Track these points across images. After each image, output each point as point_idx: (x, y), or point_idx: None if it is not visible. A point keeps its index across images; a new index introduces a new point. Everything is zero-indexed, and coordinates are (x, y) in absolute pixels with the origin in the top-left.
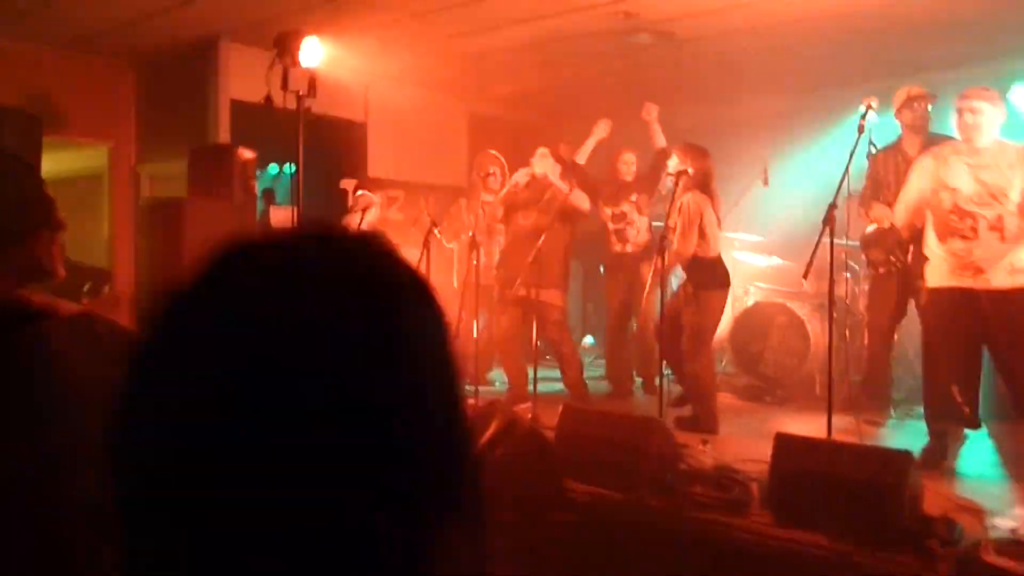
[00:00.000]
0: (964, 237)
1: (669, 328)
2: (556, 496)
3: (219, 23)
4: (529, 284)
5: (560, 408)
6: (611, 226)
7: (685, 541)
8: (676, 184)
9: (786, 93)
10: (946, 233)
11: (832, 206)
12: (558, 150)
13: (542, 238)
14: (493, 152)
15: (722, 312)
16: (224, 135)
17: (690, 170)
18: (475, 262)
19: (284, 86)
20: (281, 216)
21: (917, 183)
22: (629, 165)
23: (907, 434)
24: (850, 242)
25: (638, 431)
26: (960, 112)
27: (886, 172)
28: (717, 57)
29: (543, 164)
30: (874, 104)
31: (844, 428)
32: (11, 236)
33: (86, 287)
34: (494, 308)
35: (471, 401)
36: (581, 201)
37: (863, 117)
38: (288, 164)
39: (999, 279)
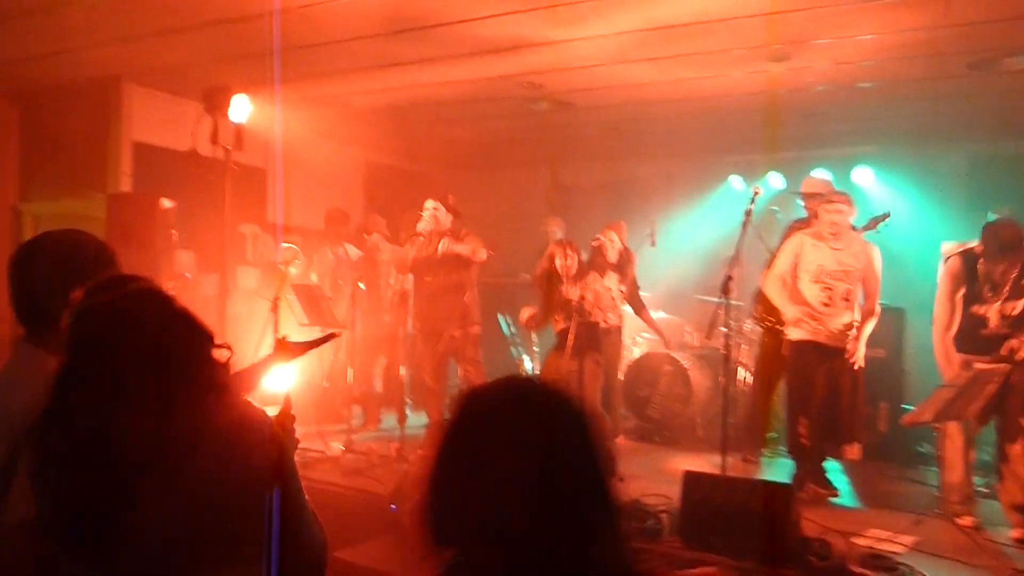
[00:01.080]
0: (824, 303)
1: None
2: None
3: (119, 66)
4: (452, 328)
5: None
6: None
7: None
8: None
9: (666, 158)
10: (808, 299)
11: (728, 277)
12: (447, 200)
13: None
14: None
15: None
16: (125, 177)
17: None
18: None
19: (215, 139)
20: (185, 260)
21: (790, 257)
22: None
23: (779, 468)
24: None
25: None
26: (827, 212)
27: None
28: (608, 124)
29: (426, 223)
30: (760, 191)
31: (729, 465)
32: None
33: None
34: (415, 356)
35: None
36: (466, 251)
37: (752, 202)
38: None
39: (841, 338)
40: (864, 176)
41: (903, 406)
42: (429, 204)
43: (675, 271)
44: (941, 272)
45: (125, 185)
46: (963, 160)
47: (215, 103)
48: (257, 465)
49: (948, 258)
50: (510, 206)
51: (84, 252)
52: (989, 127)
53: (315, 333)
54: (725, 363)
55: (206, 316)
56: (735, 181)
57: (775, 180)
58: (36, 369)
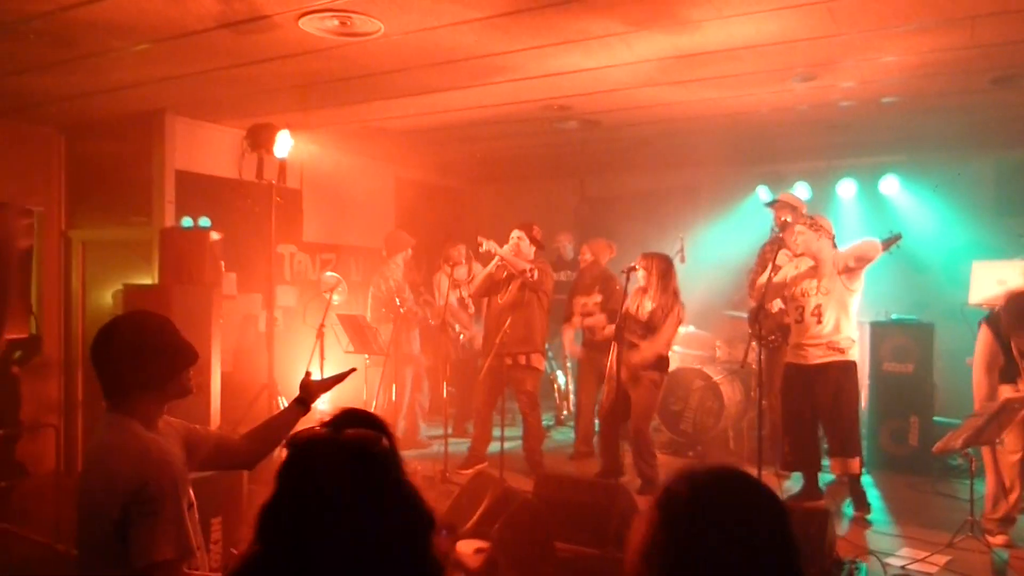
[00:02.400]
0: (796, 321)
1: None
2: (546, 554)
3: (163, 100)
4: (513, 353)
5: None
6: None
7: None
8: None
9: (693, 169)
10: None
11: (758, 307)
12: (531, 231)
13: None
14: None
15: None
16: (169, 205)
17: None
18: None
19: (260, 175)
20: (228, 283)
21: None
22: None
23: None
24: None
25: (603, 494)
26: (793, 234)
27: (772, 261)
28: (636, 139)
29: (492, 244)
30: (788, 219)
31: (763, 478)
32: (170, 374)
33: (16, 355)
34: (474, 378)
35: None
36: (541, 278)
37: (781, 231)
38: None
39: (816, 356)
40: (890, 186)
41: (934, 419)
42: (515, 233)
43: (704, 285)
44: (978, 340)
45: (169, 212)
46: (990, 169)
47: (260, 140)
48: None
49: (980, 324)
50: (538, 218)
51: (151, 330)
52: (1015, 136)
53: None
54: (758, 378)
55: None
56: (762, 192)
57: (802, 191)
58: (129, 434)
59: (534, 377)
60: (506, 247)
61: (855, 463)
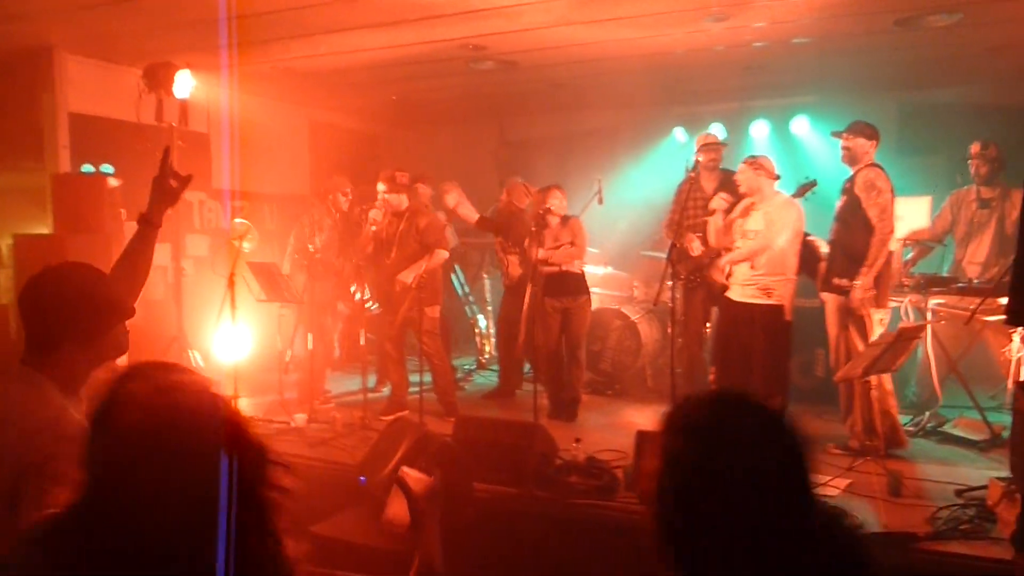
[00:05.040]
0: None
1: None
2: (465, 496)
3: (51, 36)
4: (411, 305)
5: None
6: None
7: (568, 522)
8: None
9: (612, 111)
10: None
11: (673, 246)
12: (393, 180)
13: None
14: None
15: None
16: (64, 150)
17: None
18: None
19: (159, 117)
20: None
21: (721, 219)
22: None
23: None
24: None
25: (522, 435)
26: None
27: (687, 202)
28: (553, 81)
29: (379, 215)
30: (701, 159)
31: None
32: (104, 329)
33: None
34: (378, 328)
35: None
36: (435, 234)
37: (694, 170)
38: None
39: (749, 296)
40: (801, 126)
41: None
42: (380, 187)
43: (622, 226)
44: None
45: (63, 157)
46: (893, 110)
47: (158, 79)
48: None
49: None
50: (457, 162)
51: (86, 281)
52: (918, 78)
53: (273, 307)
54: (672, 316)
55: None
56: (679, 133)
57: (718, 131)
58: (41, 398)
59: (432, 324)
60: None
61: (775, 402)
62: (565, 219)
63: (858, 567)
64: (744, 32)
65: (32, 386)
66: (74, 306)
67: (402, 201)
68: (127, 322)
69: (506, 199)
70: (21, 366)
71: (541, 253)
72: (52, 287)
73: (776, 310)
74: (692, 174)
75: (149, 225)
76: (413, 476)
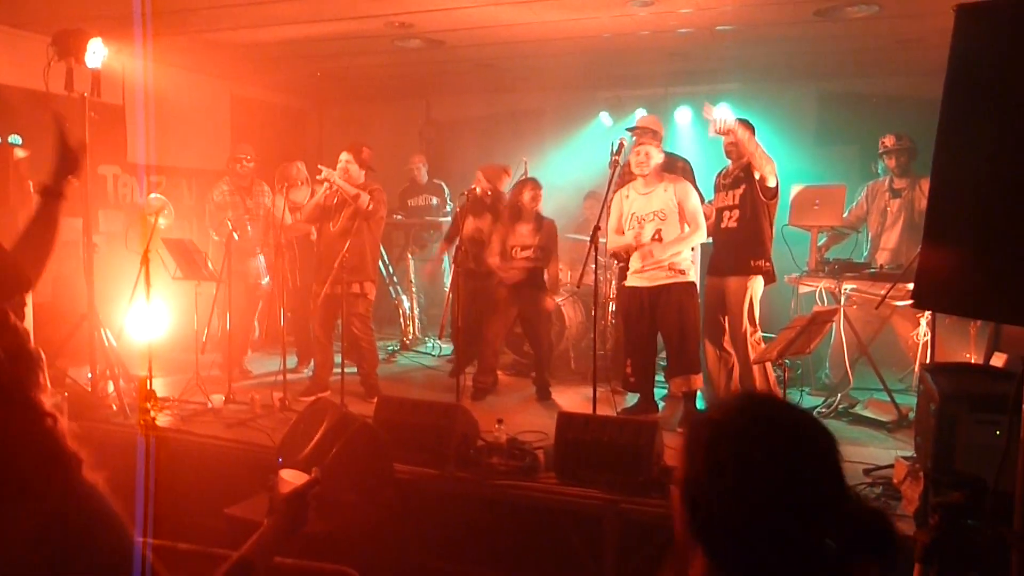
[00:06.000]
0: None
1: None
2: (385, 477)
3: None
4: (343, 281)
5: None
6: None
7: (490, 502)
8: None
9: (538, 93)
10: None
11: (596, 227)
12: (362, 154)
13: (348, 242)
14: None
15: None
16: None
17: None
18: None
19: (69, 86)
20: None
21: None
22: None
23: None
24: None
25: (444, 416)
26: (636, 153)
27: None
28: (480, 60)
29: (331, 173)
30: (627, 141)
31: (600, 398)
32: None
33: None
34: (301, 307)
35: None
36: (376, 207)
37: (616, 153)
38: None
39: (659, 278)
40: (683, 115)
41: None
42: (343, 157)
43: (548, 209)
44: None
45: None
46: (813, 99)
47: (68, 47)
48: None
49: None
50: (383, 140)
51: None
52: (836, 67)
53: (190, 285)
54: (595, 299)
55: (69, 262)
56: (604, 118)
57: (641, 116)
58: None
59: (365, 304)
60: (334, 173)
61: (698, 379)
62: (540, 219)
63: (887, 570)
64: (669, 18)
65: None
66: None
67: (361, 176)
68: (32, 295)
69: (487, 184)
70: None
71: (519, 252)
72: None
73: (691, 287)
74: (616, 157)
75: (52, 195)
76: (286, 478)
